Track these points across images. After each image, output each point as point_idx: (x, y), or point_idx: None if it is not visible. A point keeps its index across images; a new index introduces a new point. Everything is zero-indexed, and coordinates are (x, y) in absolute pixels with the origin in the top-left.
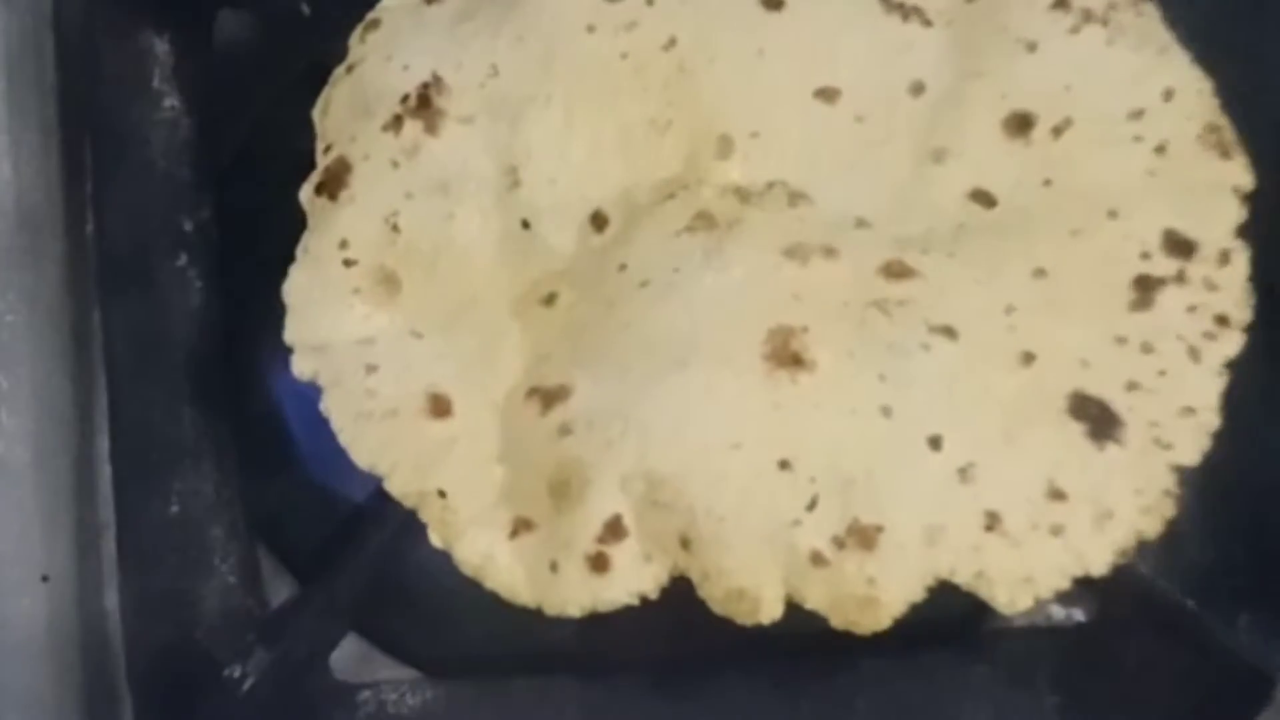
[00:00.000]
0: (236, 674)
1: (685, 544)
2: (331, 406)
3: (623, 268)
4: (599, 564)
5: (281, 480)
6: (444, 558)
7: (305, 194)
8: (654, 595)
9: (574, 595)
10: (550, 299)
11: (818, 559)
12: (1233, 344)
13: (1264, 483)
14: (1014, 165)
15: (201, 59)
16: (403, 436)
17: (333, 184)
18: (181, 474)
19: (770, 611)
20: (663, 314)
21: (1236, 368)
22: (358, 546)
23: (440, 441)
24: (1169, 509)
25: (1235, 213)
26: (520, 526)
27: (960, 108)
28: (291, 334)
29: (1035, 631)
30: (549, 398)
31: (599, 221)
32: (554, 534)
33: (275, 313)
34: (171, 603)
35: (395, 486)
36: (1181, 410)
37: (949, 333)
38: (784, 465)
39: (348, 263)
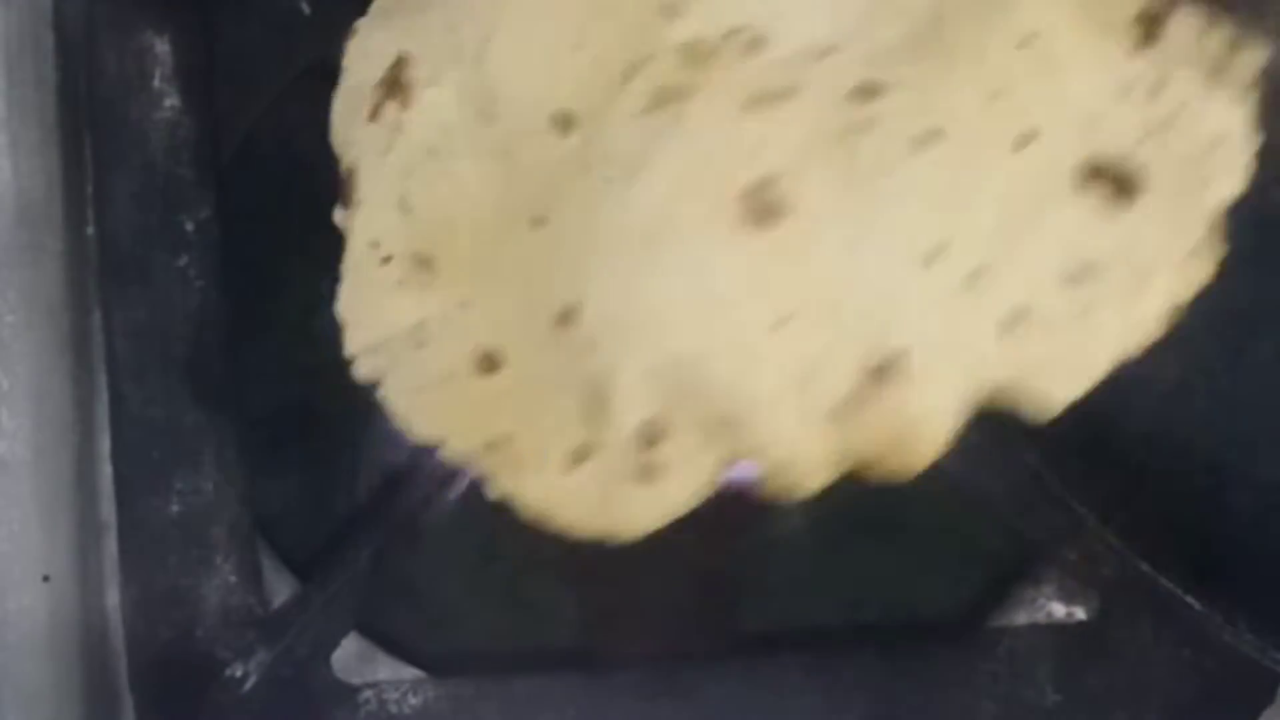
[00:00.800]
0: (238, 673)
1: (724, 424)
2: (388, 391)
3: (599, 163)
4: (653, 473)
5: (283, 479)
6: (445, 557)
7: (339, 215)
8: (713, 485)
9: (641, 511)
10: (539, 219)
11: (845, 410)
12: (1256, 57)
13: (1268, 478)
14: None
15: (202, 58)
16: (456, 400)
17: (347, 193)
18: (182, 473)
19: (815, 480)
20: (641, 200)
21: (1239, 364)
22: (359, 546)
23: (492, 396)
24: (1218, 246)
25: None
26: (572, 459)
27: None
28: (351, 345)
29: (1036, 629)
30: (566, 319)
31: (563, 122)
32: (605, 458)
33: (276, 312)
34: (172, 602)
35: (451, 450)
36: (1209, 140)
37: (937, 133)
38: (788, 319)
39: (385, 260)
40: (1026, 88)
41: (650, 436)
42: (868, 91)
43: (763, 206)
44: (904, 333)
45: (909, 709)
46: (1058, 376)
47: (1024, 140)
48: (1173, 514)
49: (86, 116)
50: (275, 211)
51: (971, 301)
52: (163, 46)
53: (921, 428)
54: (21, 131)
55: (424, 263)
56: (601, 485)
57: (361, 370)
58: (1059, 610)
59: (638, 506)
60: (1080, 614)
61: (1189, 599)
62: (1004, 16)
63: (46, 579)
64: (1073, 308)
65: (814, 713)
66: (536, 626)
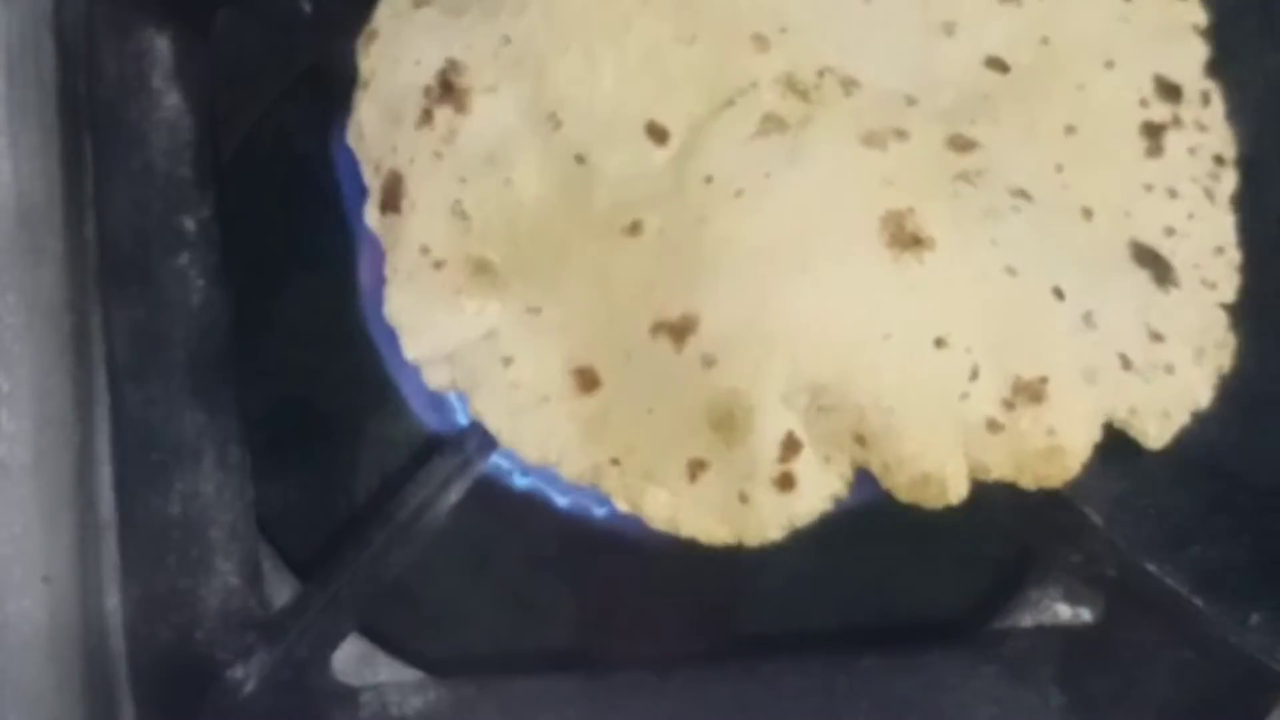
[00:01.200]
0: (238, 675)
1: (860, 441)
2: (483, 410)
3: (708, 180)
4: (785, 483)
5: (283, 480)
6: (446, 557)
7: (372, 218)
8: (845, 492)
9: (770, 519)
10: (635, 227)
11: (993, 425)
12: (1231, 181)
13: (1270, 481)
14: (1011, 27)
15: (202, 58)
16: (561, 420)
17: (391, 198)
18: (183, 474)
19: (957, 490)
20: (766, 220)
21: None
22: (360, 547)
23: (598, 413)
24: (1233, 344)
25: (1201, 51)
26: (695, 468)
27: None
28: (413, 351)
29: (1041, 630)
30: (677, 331)
31: (657, 133)
32: (731, 466)
33: (276, 312)
34: (173, 603)
35: (569, 471)
36: (1214, 250)
37: (1024, 195)
38: (939, 343)
39: (437, 265)
40: (1077, 169)
41: (788, 448)
42: (961, 145)
43: (905, 235)
44: (1044, 360)
45: (911, 710)
46: (1155, 418)
47: (1086, 213)
48: (1176, 515)
49: (87, 117)
50: (275, 211)
51: (1091, 340)
52: (163, 45)
53: (1062, 445)
54: (22, 133)
55: (482, 268)
56: (729, 494)
57: (433, 379)
58: (1063, 612)
59: (768, 514)
60: (1084, 615)
61: (1193, 600)
62: (1043, 107)
63: (47, 580)
64: (1157, 364)
65: (814, 713)
66: (536, 626)
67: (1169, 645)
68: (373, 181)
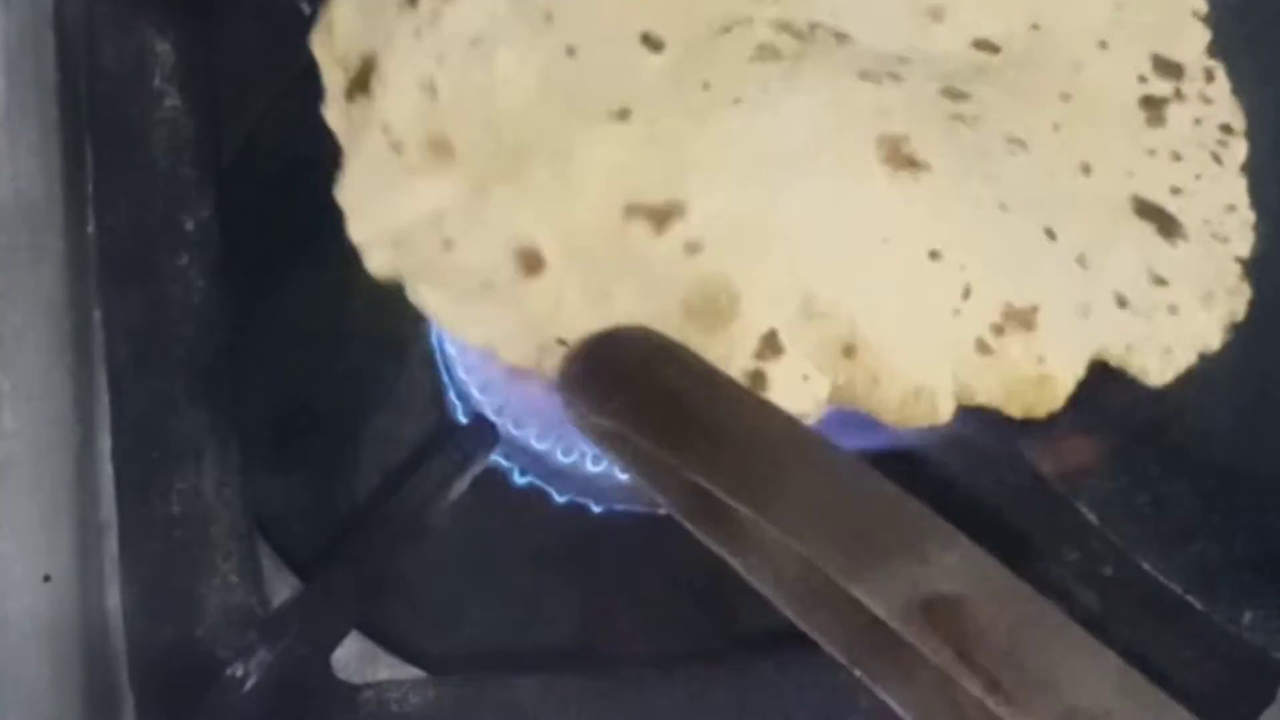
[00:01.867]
0: (238, 673)
1: (849, 352)
2: (424, 299)
3: (706, 85)
4: (756, 381)
5: (283, 479)
6: (446, 556)
7: (332, 113)
8: (816, 416)
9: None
10: (622, 114)
11: (984, 348)
12: (1241, 149)
13: (1268, 478)
14: (1002, 14)
15: (202, 58)
16: (506, 304)
17: (361, 80)
18: (183, 473)
19: (946, 408)
20: (767, 127)
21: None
22: (360, 545)
23: (546, 295)
24: (1247, 293)
25: (1202, 35)
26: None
27: None
28: (357, 233)
29: None
30: (660, 216)
31: (652, 42)
32: (703, 352)
33: (276, 312)
34: (173, 601)
35: (511, 354)
36: (1225, 208)
37: (1020, 143)
38: (934, 255)
39: (395, 147)
40: (1074, 129)
41: (769, 346)
42: (956, 95)
43: (902, 157)
44: (1036, 290)
45: None
46: (1155, 355)
47: (1085, 168)
48: (1172, 513)
49: (87, 116)
50: (275, 211)
51: (1086, 278)
52: (163, 46)
53: (1051, 375)
54: (22, 131)
55: (439, 147)
56: None
57: (374, 263)
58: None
59: None
60: (1080, 614)
61: (1189, 598)
62: (1042, 75)
63: (47, 579)
64: (1159, 305)
65: (815, 711)
66: (537, 625)
67: (1165, 643)
68: (337, 80)
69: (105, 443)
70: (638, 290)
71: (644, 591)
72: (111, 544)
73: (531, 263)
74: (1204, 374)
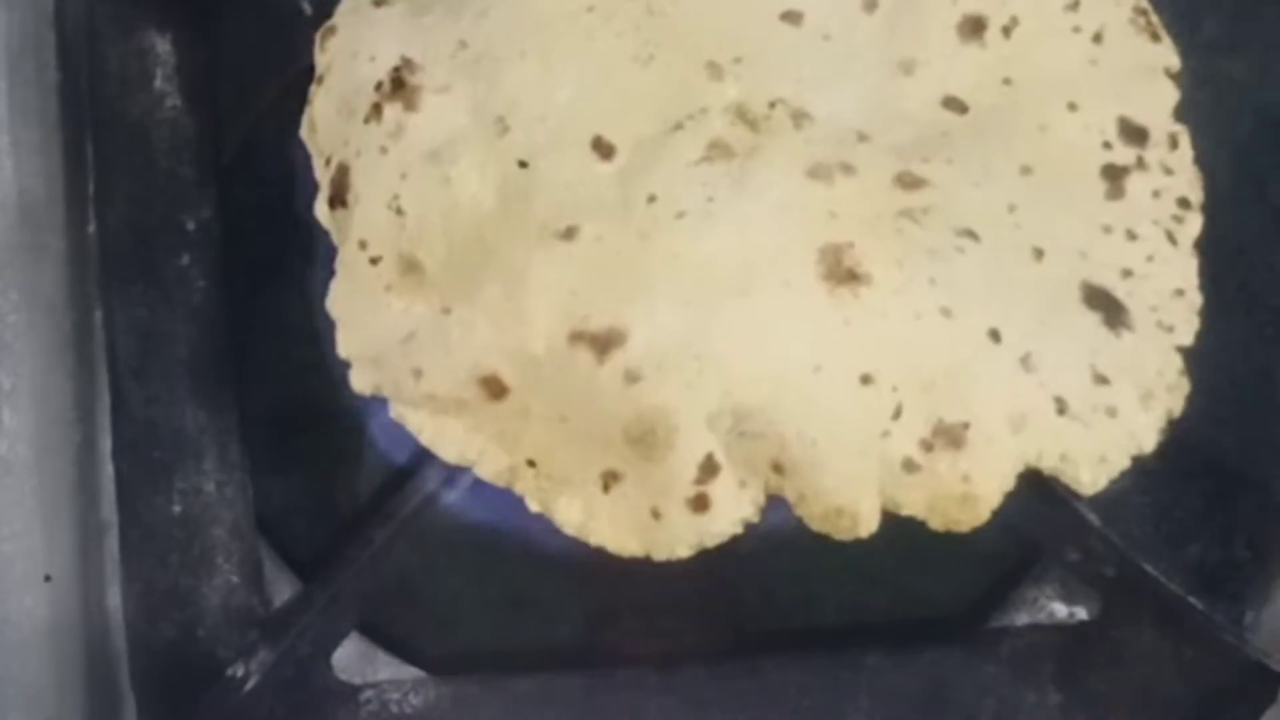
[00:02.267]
0: (239, 673)
1: (778, 469)
2: (404, 417)
3: (652, 199)
4: (699, 504)
5: (284, 478)
6: (446, 556)
7: (321, 212)
8: (756, 518)
9: (680, 537)
10: (569, 233)
11: (910, 465)
12: (1196, 225)
13: (1268, 479)
14: (974, 67)
15: (203, 58)
16: (477, 425)
17: (338, 191)
18: (184, 472)
19: (868, 525)
20: (709, 244)
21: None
22: (361, 545)
23: (512, 415)
24: (1186, 388)
25: (1172, 94)
26: (609, 479)
27: (916, 16)
28: (344, 349)
29: (1038, 629)
30: (601, 343)
31: (603, 148)
32: (646, 481)
33: (276, 312)
34: (174, 601)
35: (486, 472)
36: (1173, 292)
37: (971, 234)
38: (866, 380)
39: (373, 261)
40: (1031, 210)
41: (706, 470)
42: (910, 183)
43: (842, 269)
44: (969, 405)
45: (911, 707)
46: (1089, 464)
47: (1037, 254)
48: (1174, 515)
49: (88, 116)
50: (275, 211)
51: (1026, 383)
52: (163, 46)
53: (975, 493)
54: (23, 131)
55: (410, 266)
56: (642, 508)
57: (357, 381)
58: (1060, 611)
59: (679, 532)
60: (1082, 614)
61: (1191, 600)
62: (1000, 147)
63: (48, 579)
64: (1098, 407)
65: (815, 710)
66: (537, 624)
67: (1166, 643)
68: (323, 176)
69: (105, 443)
70: (587, 417)
71: (645, 590)
72: (112, 544)
73: (494, 388)
74: (1206, 377)
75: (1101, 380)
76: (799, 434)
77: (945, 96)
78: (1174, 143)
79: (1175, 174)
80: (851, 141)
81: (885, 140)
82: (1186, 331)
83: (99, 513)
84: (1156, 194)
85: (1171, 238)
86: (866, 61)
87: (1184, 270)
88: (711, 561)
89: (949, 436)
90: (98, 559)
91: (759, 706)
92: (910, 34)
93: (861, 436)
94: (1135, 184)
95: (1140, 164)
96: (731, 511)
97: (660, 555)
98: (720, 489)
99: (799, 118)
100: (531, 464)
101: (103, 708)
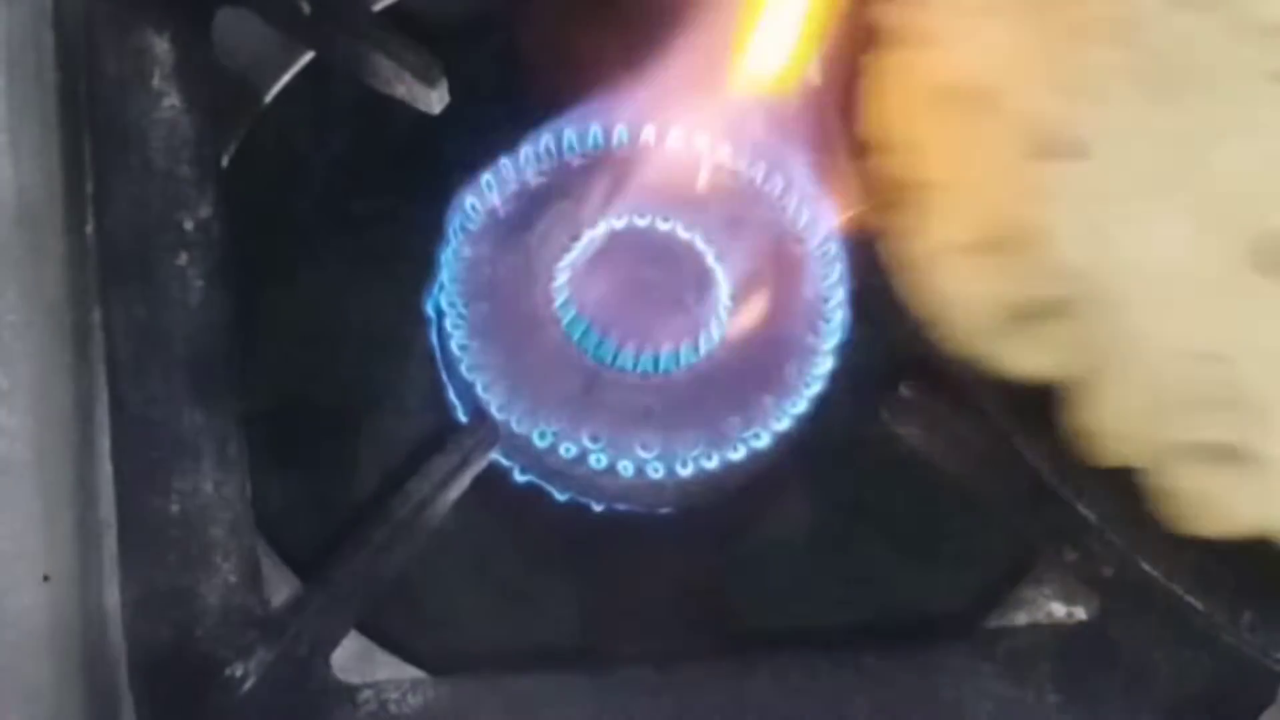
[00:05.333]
0: (237, 673)
1: (1086, 365)
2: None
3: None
4: (1008, 325)
5: (283, 478)
6: (446, 555)
7: None
8: (1041, 376)
9: (982, 328)
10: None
11: (1189, 452)
12: None
13: None
14: None
15: (201, 58)
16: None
17: None
18: (182, 472)
19: (1106, 458)
20: (1221, 142)
21: None
22: (359, 545)
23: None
24: None
25: None
26: (972, 244)
27: None
28: None
29: (1038, 629)
30: (1065, 149)
31: None
32: (998, 264)
33: (276, 312)
34: (172, 601)
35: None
36: None
37: None
38: (1211, 354)
39: None
40: None
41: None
42: None
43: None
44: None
45: (909, 706)
46: None
47: None
48: None
49: (87, 116)
50: (275, 210)
51: None
52: (162, 45)
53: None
54: (22, 131)
55: None
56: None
57: None
58: (1059, 610)
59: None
60: (1080, 614)
61: (1189, 599)
62: None
63: (47, 578)
64: None
65: (814, 713)
66: (537, 624)
67: (1165, 643)
68: None
69: (104, 443)
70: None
71: (644, 589)
72: (111, 543)
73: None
74: None
75: None
76: (1129, 340)
77: None
78: None
79: None
80: None
81: None
82: None
83: (98, 512)
84: None
85: None
86: None
87: None
88: (710, 561)
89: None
90: (97, 559)
91: (758, 705)
92: None
93: (1175, 393)
94: None
95: None
96: (1028, 354)
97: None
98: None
99: None
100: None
101: (102, 707)
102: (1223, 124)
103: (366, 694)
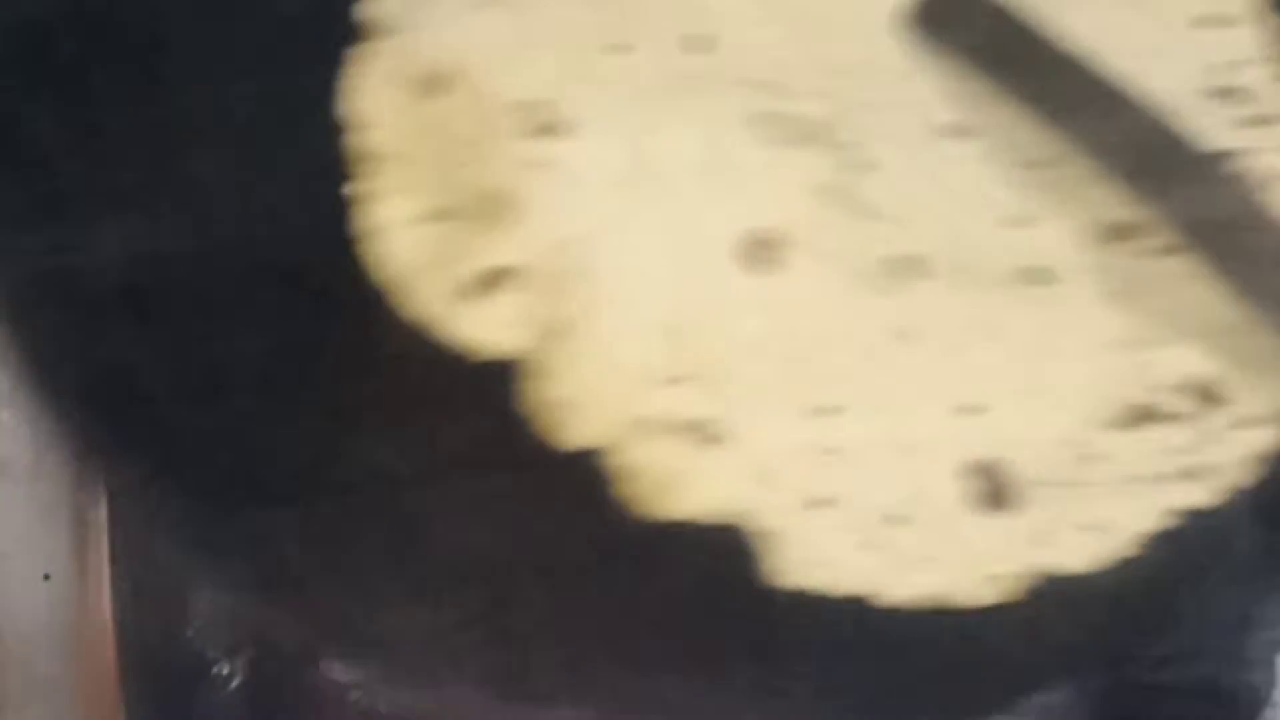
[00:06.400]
0: (225, 671)
1: (552, 335)
2: (364, 51)
3: None
4: (468, 293)
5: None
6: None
7: None
8: (485, 355)
9: (430, 300)
10: None
11: (653, 427)
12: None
13: None
14: (1095, 261)
15: None
16: (408, 102)
17: None
18: None
19: (572, 439)
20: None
21: None
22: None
23: (437, 111)
24: None
25: None
26: (433, 214)
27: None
28: None
29: None
30: (550, 126)
31: None
32: (456, 238)
33: None
34: (163, 601)
35: (361, 141)
36: None
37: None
38: (683, 331)
39: None
40: None
41: (505, 274)
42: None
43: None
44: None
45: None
46: None
47: None
48: None
49: None
50: None
51: None
52: None
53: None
54: None
55: None
56: (437, 246)
57: None
58: None
59: (439, 293)
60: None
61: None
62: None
63: (47, 578)
64: None
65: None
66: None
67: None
68: None
69: None
70: (469, 156)
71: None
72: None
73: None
74: None
75: None
76: (597, 301)
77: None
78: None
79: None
80: None
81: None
82: None
83: (98, 512)
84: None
85: None
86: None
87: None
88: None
89: (702, 434)
90: (97, 558)
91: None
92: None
93: (636, 367)
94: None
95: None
96: (490, 326)
97: (402, 291)
98: (503, 299)
99: None
100: None
101: (101, 706)
102: (700, 130)
103: (356, 693)
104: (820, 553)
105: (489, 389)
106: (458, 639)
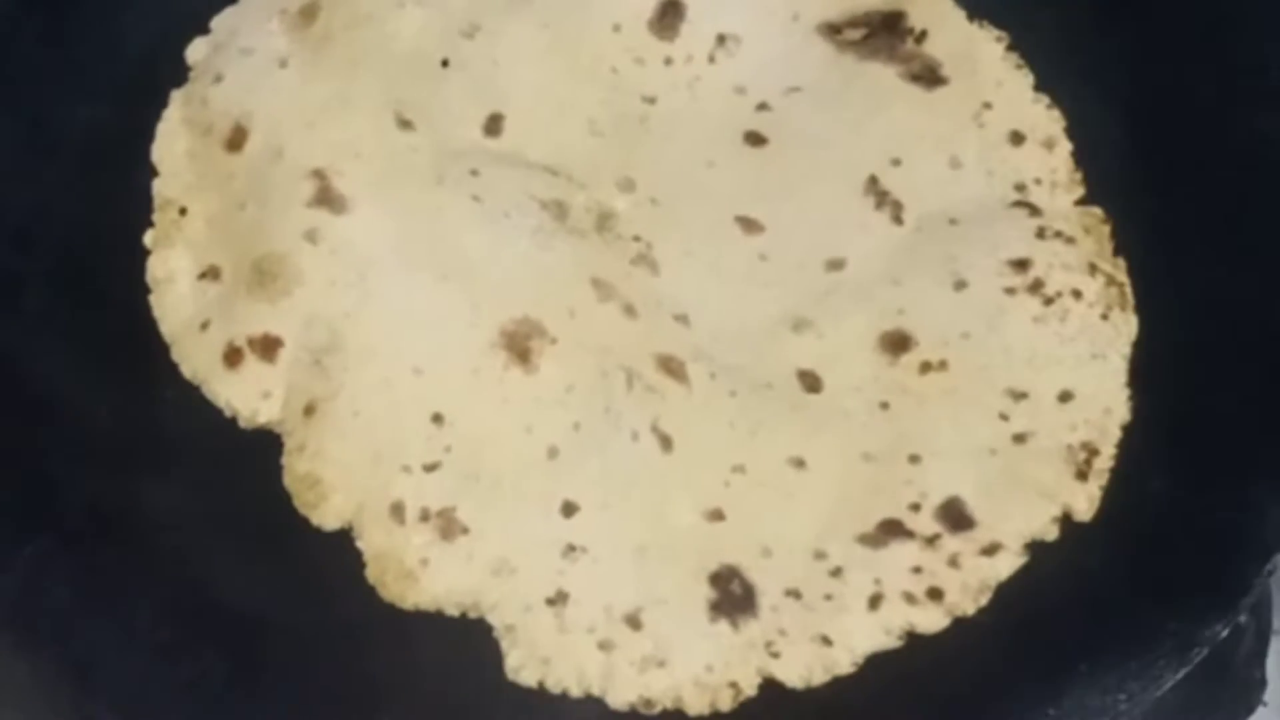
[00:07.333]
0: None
1: (309, 411)
2: (176, 97)
3: None
4: (233, 358)
5: None
6: None
7: None
8: (246, 423)
9: (199, 361)
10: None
11: (399, 513)
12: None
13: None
14: (865, 372)
15: None
16: (205, 153)
17: None
18: None
19: (325, 519)
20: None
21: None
22: None
23: (229, 167)
24: None
25: (1041, 527)
26: (211, 272)
27: (857, 300)
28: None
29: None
30: (327, 198)
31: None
32: (229, 300)
33: None
34: None
35: (159, 188)
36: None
37: (664, 441)
38: (437, 419)
39: None
40: (748, 492)
41: (267, 345)
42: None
43: (519, 348)
44: (484, 522)
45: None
46: None
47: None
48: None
49: None
50: None
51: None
52: None
53: (420, 580)
54: None
55: (307, 13)
56: (201, 311)
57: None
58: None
59: (200, 357)
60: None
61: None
62: (797, 432)
63: None
64: None
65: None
66: None
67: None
68: None
69: None
70: (251, 216)
71: None
72: None
73: (236, 139)
74: None
75: None
76: (352, 400)
77: (806, 370)
78: (991, 551)
79: (958, 571)
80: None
81: (713, 348)
82: None
83: None
84: (917, 570)
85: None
86: (773, 296)
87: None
88: None
89: (446, 522)
90: None
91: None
92: (838, 307)
93: (392, 451)
94: (903, 551)
95: (931, 542)
96: (241, 393)
97: (173, 351)
98: (256, 370)
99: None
100: (183, 211)
101: None
102: (475, 215)
103: None
104: (557, 650)
105: (257, 455)
106: (209, 690)
